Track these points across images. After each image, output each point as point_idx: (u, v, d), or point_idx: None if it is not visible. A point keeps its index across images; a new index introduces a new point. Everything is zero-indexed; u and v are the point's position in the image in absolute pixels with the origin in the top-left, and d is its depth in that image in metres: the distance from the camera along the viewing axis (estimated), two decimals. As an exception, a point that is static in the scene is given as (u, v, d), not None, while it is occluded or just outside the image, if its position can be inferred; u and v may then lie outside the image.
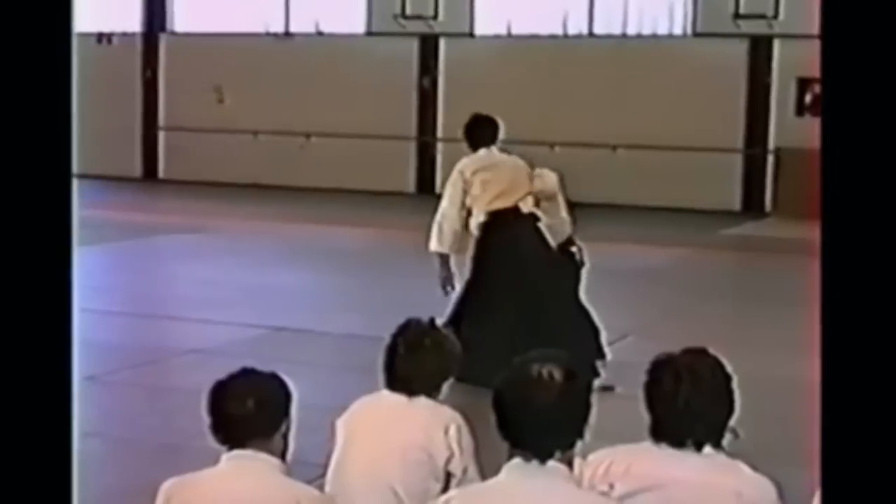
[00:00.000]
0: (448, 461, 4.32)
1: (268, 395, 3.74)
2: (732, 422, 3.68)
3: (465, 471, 4.32)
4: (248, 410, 3.68)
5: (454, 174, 8.63)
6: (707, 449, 3.58)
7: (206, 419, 3.75)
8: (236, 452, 3.68)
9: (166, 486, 3.73)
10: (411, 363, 4.44)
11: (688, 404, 3.56)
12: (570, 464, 3.23)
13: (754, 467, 3.59)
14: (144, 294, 12.59)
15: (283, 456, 3.76)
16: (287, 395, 3.80)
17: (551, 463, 3.17)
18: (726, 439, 3.65)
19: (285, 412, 3.78)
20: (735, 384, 3.67)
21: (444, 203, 8.67)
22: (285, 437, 3.78)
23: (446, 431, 4.32)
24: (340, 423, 4.51)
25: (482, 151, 8.65)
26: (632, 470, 3.62)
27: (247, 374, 3.80)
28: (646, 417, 3.67)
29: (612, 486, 3.59)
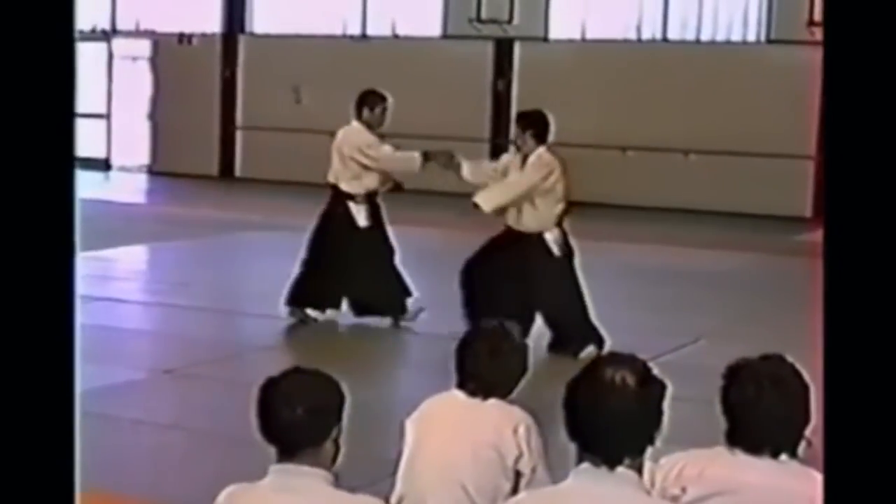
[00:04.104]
0: (517, 460, 4.35)
1: (320, 400, 3.49)
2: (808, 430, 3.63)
3: (534, 470, 4.35)
4: (299, 417, 3.43)
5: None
6: (783, 457, 3.57)
7: (254, 420, 3.52)
8: (282, 467, 3.47)
9: (221, 498, 3.56)
10: (495, 368, 4.44)
11: (769, 411, 3.53)
12: (639, 470, 3.18)
13: None
14: (224, 290, 12.75)
15: (333, 460, 3.52)
16: (341, 399, 3.54)
17: (621, 469, 3.12)
18: (800, 447, 3.63)
19: (338, 417, 3.52)
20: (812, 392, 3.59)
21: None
22: (336, 441, 3.52)
23: (515, 431, 4.35)
24: (410, 423, 4.55)
25: None
26: (705, 474, 3.60)
27: (298, 374, 3.55)
28: (717, 422, 3.65)
29: (684, 490, 3.59)
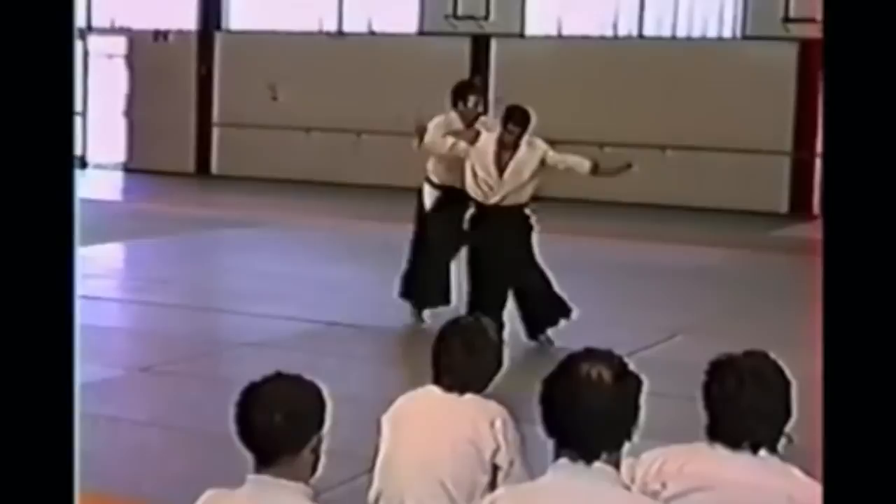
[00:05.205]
0: (494, 454, 4.36)
1: (299, 407, 3.37)
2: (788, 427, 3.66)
3: (511, 463, 4.36)
4: (276, 423, 3.32)
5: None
6: (762, 452, 3.58)
7: (232, 426, 3.42)
8: (258, 477, 3.37)
9: (201, 501, 3.47)
10: (471, 364, 4.47)
11: (750, 406, 3.55)
12: (617, 465, 3.19)
13: (807, 472, 3.53)
14: (201, 287, 12.74)
15: (313, 470, 3.41)
16: (322, 405, 3.42)
17: (598, 464, 3.13)
18: (780, 444, 3.64)
19: (318, 425, 3.41)
20: (794, 388, 3.63)
21: None
22: (316, 450, 3.40)
23: (492, 424, 4.36)
24: (386, 419, 4.56)
25: None
26: (685, 469, 3.61)
27: (279, 380, 3.43)
28: (696, 417, 3.68)
29: (664, 485, 3.60)
